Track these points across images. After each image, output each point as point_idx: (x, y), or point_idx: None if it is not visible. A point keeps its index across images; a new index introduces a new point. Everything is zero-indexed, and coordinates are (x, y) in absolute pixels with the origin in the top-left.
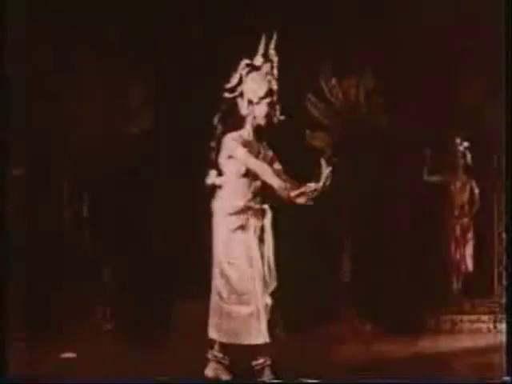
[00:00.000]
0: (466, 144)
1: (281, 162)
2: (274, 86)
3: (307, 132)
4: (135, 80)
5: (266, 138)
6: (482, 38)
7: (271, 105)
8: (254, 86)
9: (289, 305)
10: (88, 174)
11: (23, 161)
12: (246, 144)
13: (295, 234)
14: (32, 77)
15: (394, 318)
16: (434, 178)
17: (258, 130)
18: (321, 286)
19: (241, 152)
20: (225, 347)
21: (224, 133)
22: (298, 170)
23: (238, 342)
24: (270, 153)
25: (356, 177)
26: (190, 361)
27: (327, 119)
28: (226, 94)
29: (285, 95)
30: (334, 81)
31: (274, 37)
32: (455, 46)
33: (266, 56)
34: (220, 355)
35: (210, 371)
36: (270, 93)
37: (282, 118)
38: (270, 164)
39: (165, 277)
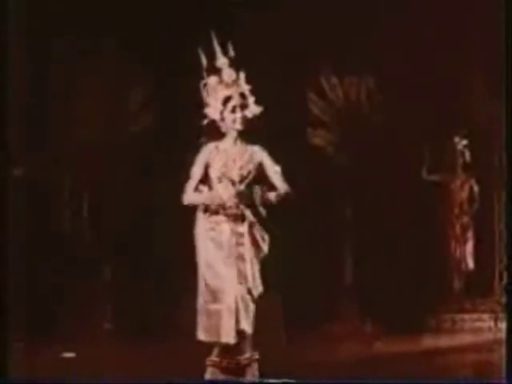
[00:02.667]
0: (464, 142)
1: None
2: (231, 91)
3: (308, 130)
4: (135, 80)
5: (257, 140)
6: (481, 37)
7: (238, 108)
8: (211, 105)
9: (290, 305)
10: (88, 174)
11: (23, 161)
12: (216, 154)
13: (296, 235)
14: (32, 77)
15: (394, 317)
16: (434, 177)
17: (241, 134)
18: (322, 285)
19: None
20: (222, 352)
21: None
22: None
23: (220, 340)
24: (259, 157)
25: (356, 175)
26: (190, 361)
27: (328, 117)
28: (203, 122)
29: (286, 93)
30: (334, 79)
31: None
32: (455, 45)
33: (210, 69)
34: (217, 359)
35: (208, 376)
36: (227, 100)
37: (258, 110)
38: (259, 170)
39: (165, 276)
